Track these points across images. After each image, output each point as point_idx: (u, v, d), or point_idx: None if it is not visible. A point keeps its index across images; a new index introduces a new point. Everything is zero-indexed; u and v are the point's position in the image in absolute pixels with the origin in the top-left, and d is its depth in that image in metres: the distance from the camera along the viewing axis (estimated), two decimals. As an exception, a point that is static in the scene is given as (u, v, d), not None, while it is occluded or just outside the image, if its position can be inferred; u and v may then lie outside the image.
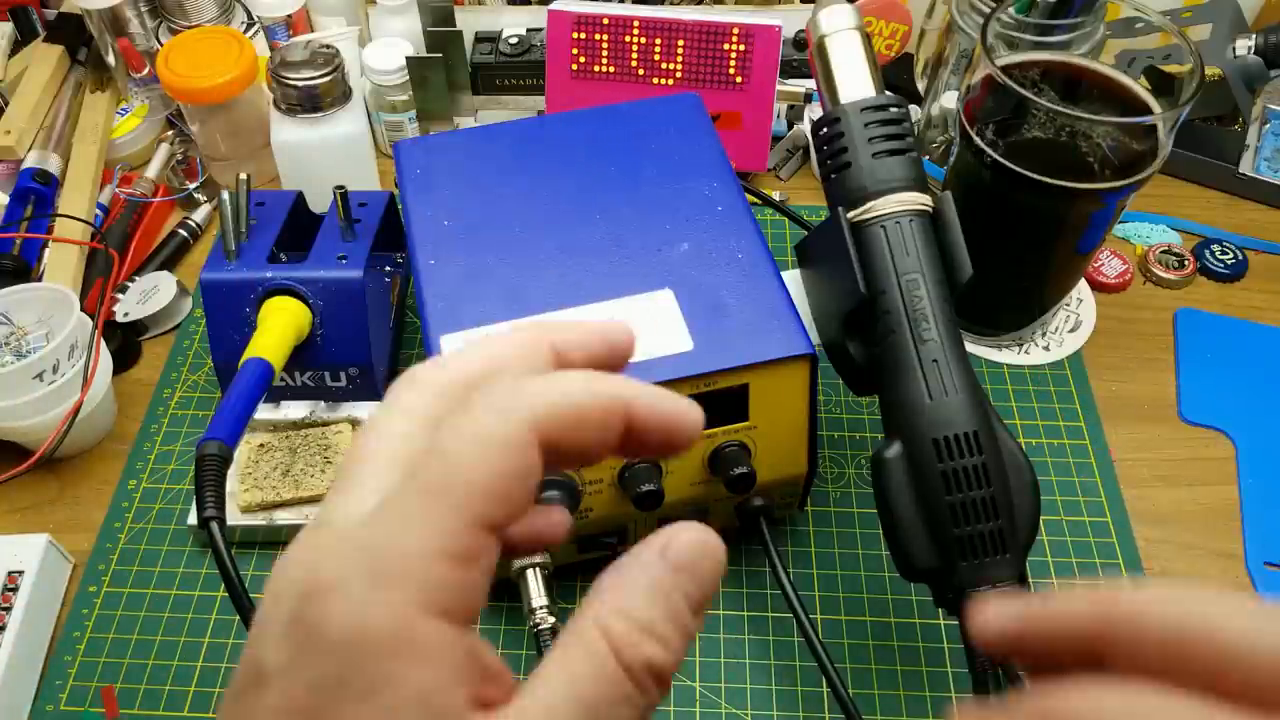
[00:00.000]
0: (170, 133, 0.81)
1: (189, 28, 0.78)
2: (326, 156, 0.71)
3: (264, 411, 0.60)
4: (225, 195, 0.58)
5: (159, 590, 0.56)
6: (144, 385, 0.66)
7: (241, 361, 0.52)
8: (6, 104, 0.77)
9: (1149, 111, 0.56)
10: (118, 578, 0.57)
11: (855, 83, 0.50)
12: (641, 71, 0.73)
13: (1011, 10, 0.62)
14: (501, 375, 0.23)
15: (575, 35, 0.72)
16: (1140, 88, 0.57)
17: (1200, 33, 0.72)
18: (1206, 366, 0.67)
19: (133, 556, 0.58)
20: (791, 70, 0.76)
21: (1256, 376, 0.66)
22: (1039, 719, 0.19)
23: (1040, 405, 0.65)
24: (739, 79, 0.72)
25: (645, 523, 0.53)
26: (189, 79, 0.70)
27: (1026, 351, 0.67)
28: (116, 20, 0.78)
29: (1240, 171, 0.77)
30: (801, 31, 0.77)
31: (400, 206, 0.58)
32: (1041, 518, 0.48)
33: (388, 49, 0.75)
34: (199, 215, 0.75)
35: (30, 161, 0.74)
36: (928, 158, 0.77)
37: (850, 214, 0.48)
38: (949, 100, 0.74)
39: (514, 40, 0.76)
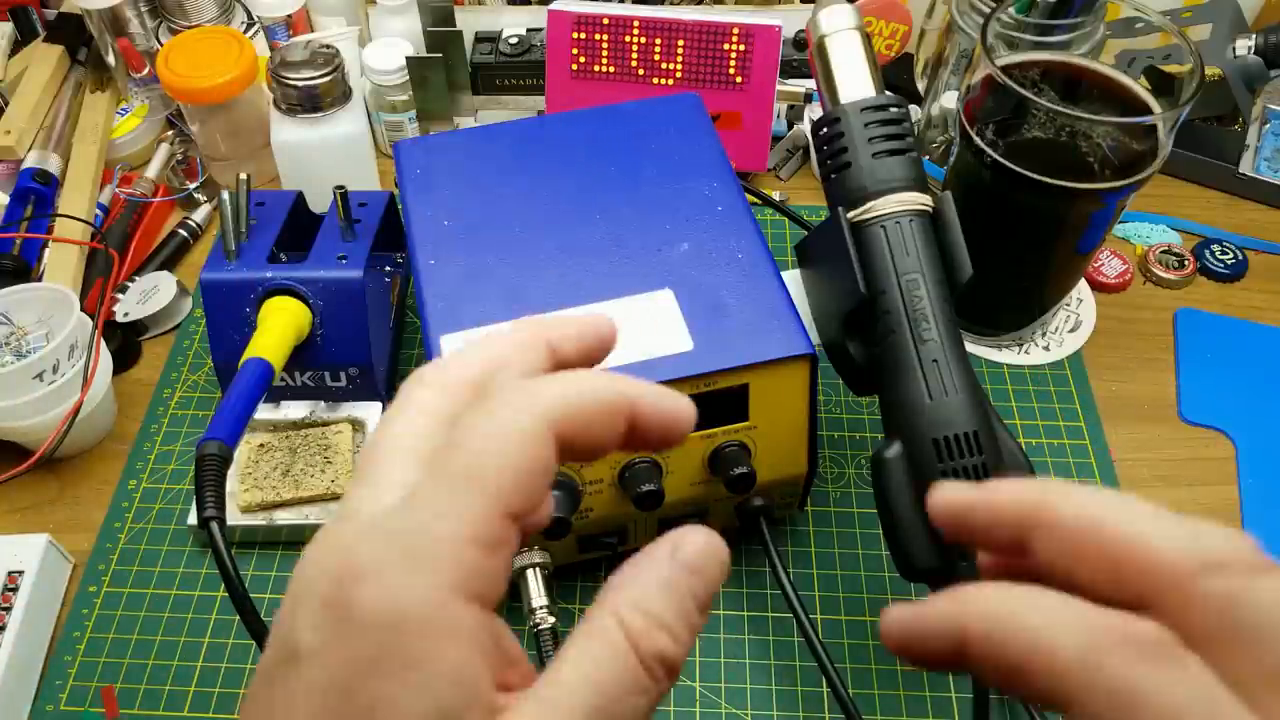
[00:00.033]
0: (170, 133, 0.82)
1: (189, 28, 0.78)
2: (326, 156, 0.71)
3: (264, 411, 0.60)
4: (225, 195, 0.58)
5: (159, 590, 0.56)
6: (144, 385, 0.66)
7: (241, 361, 0.52)
8: (6, 104, 0.77)
9: (1149, 111, 0.56)
10: (118, 578, 0.57)
11: (855, 83, 0.50)
12: (641, 71, 0.73)
13: (1011, 10, 0.62)
14: (506, 372, 0.25)
15: (575, 35, 0.72)
16: (1140, 88, 0.57)
17: (1200, 33, 0.72)
18: (1206, 366, 0.67)
19: (133, 556, 0.58)
20: (791, 70, 0.76)
21: (1256, 376, 0.66)
22: (953, 608, 0.23)
23: (1040, 405, 0.65)
24: (739, 79, 0.72)
25: (645, 523, 0.53)
26: (189, 79, 0.70)
27: (1026, 351, 0.67)
28: (116, 20, 0.78)
29: (1240, 171, 0.77)
30: (801, 31, 0.77)
31: (400, 206, 0.58)
32: (1041, 518, 0.48)
33: (388, 49, 0.75)
34: (199, 215, 0.75)
35: (30, 161, 0.74)
36: (928, 158, 0.77)
37: (850, 214, 0.48)
38: (949, 100, 0.74)
39: (514, 40, 0.76)
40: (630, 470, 0.48)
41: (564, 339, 0.26)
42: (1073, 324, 0.69)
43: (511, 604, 0.53)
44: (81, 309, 0.59)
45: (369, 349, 0.59)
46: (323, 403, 0.60)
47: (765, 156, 0.76)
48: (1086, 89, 0.58)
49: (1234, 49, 0.71)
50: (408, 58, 0.74)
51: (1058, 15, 0.62)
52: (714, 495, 0.51)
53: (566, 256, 0.51)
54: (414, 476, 0.23)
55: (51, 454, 0.58)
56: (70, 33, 0.82)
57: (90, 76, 0.82)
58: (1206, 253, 0.73)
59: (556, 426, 0.22)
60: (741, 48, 0.71)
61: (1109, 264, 0.72)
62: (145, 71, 0.81)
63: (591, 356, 0.26)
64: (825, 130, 0.50)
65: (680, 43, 0.71)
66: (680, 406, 0.25)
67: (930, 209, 0.48)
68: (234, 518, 0.56)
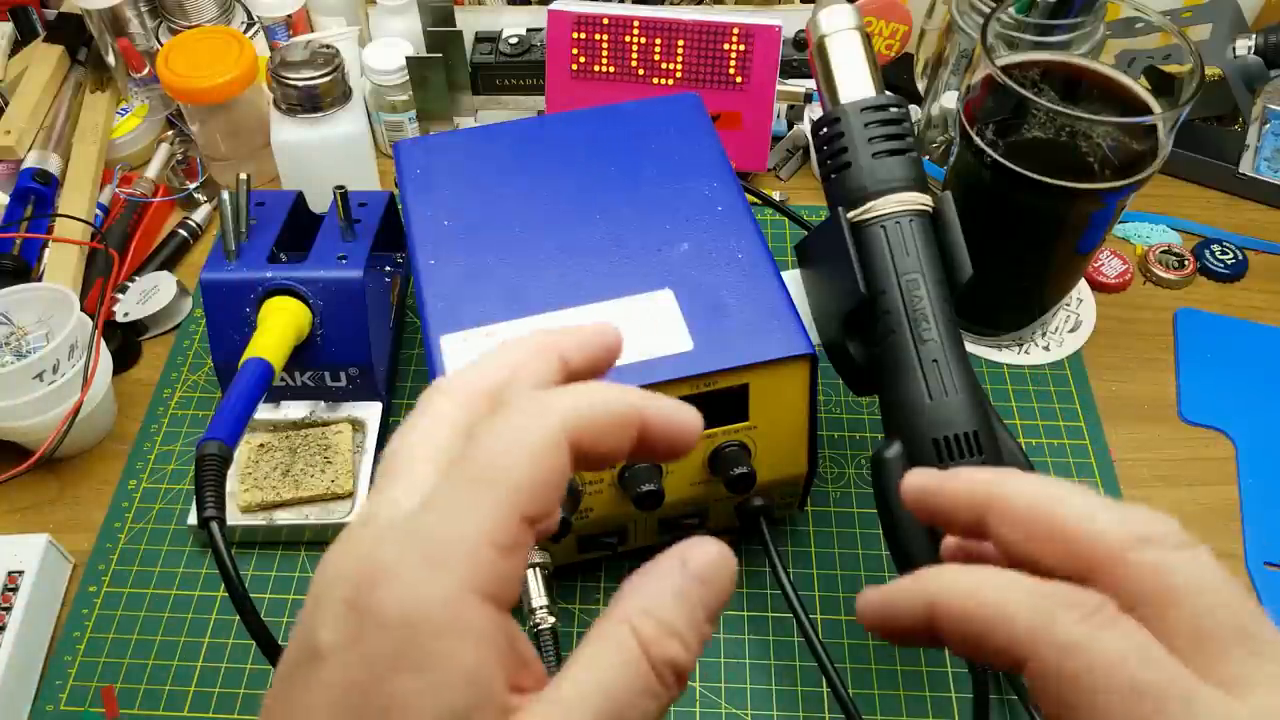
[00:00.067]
0: (170, 133, 0.82)
1: (189, 28, 0.78)
2: (326, 156, 0.71)
3: (264, 411, 0.60)
4: (225, 195, 0.58)
5: (159, 590, 0.56)
6: (144, 385, 0.66)
7: (241, 361, 0.52)
8: (6, 104, 0.77)
9: (1149, 111, 0.56)
10: (118, 578, 0.57)
11: (855, 83, 0.50)
12: (641, 71, 0.73)
13: (1011, 10, 0.62)
14: (519, 383, 0.26)
15: (575, 35, 0.72)
16: (1140, 88, 0.57)
17: (1200, 33, 0.72)
18: (1206, 366, 0.67)
19: (133, 556, 0.58)
20: (791, 70, 0.76)
21: (1256, 376, 0.66)
22: (921, 586, 0.25)
23: (1040, 405, 0.65)
24: (739, 79, 0.72)
25: (645, 523, 0.53)
26: (189, 79, 0.70)
27: (1026, 351, 0.67)
28: (116, 20, 0.78)
29: (1240, 171, 0.77)
30: (801, 31, 0.77)
31: (400, 206, 0.58)
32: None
33: (388, 49, 0.75)
34: (199, 215, 0.75)
35: (30, 161, 0.74)
36: (928, 158, 0.77)
37: (850, 214, 0.48)
38: (949, 100, 0.74)
39: (514, 40, 0.76)
40: (630, 470, 0.48)
41: (573, 348, 0.27)
42: (1073, 324, 0.69)
43: (511, 604, 0.53)
44: (81, 309, 0.59)
45: (369, 349, 0.59)
46: (323, 403, 0.60)
47: (765, 156, 0.76)
48: (1086, 89, 0.58)
49: (1234, 49, 0.71)
50: (408, 58, 0.74)
51: (1058, 15, 0.62)
52: (714, 495, 0.51)
53: (566, 256, 0.51)
54: (432, 482, 0.23)
55: (51, 454, 0.58)
56: (70, 33, 0.82)
57: (90, 76, 0.82)
58: (1206, 253, 0.73)
59: (570, 436, 0.23)
60: (741, 48, 0.71)
61: (1109, 264, 0.72)
62: (145, 71, 0.81)
63: (600, 365, 0.27)
64: (825, 130, 0.50)
65: (680, 43, 0.71)
66: (688, 418, 0.26)
67: (930, 209, 0.48)
68: (234, 518, 0.56)
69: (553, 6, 0.72)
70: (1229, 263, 0.72)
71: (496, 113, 0.78)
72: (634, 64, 0.72)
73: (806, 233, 0.53)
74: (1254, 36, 0.71)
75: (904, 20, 0.75)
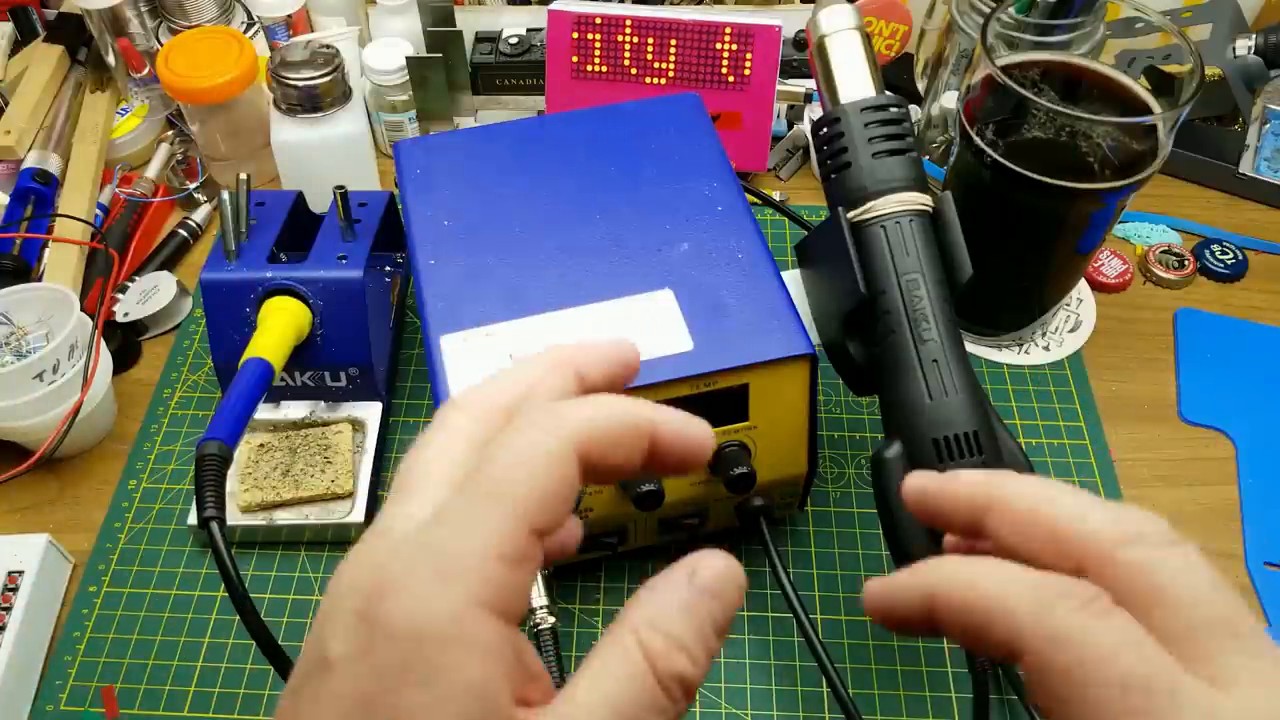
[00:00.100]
0: (170, 133, 0.82)
1: (189, 28, 0.78)
2: (326, 156, 0.71)
3: (264, 411, 0.60)
4: (225, 195, 0.58)
5: (159, 590, 0.56)
6: (144, 385, 0.66)
7: (241, 361, 0.52)
8: (6, 104, 0.77)
9: (1149, 111, 0.56)
10: (118, 578, 0.57)
11: (855, 83, 0.50)
12: (634, 71, 0.73)
13: (1011, 10, 0.62)
14: (535, 397, 0.26)
15: (575, 35, 0.72)
16: (1140, 88, 0.57)
17: (1200, 33, 0.72)
18: (1206, 366, 0.67)
19: (133, 556, 0.58)
20: (791, 70, 0.76)
21: (1256, 376, 0.66)
22: (922, 578, 0.26)
23: (1040, 405, 0.65)
24: (731, 78, 0.72)
25: (645, 523, 0.53)
26: (189, 79, 0.70)
27: (1026, 351, 0.67)
28: (116, 20, 0.78)
29: (1240, 171, 0.77)
30: (801, 31, 0.77)
31: (400, 206, 0.58)
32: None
33: (388, 49, 0.75)
34: (199, 215, 0.75)
35: (30, 161, 0.74)
36: (928, 158, 0.77)
37: (850, 214, 0.48)
38: (949, 100, 0.74)
39: (514, 40, 0.76)
40: (630, 470, 0.48)
41: (590, 364, 0.27)
42: (1073, 324, 0.69)
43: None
44: (81, 309, 0.59)
45: (369, 349, 0.59)
46: (323, 403, 0.60)
47: (765, 156, 0.76)
48: (1086, 89, 0.58)
49: (1234, 49, 0.71)
50: (408, 58, 0.74)
51: (1058, 15, 0.62)
52: (714, 495, 0.51)
53: (566, 256, 0.51)
54: (445, 495, 0.24)
55: (51, 454, 0.58)
56: (70, 33, 0.82)
57: (90, 76, 0.82)
58: (1206, 253, 0.73)
59: (581, 448, 0.23)
60: (734, 47, 0.71)
61: (1109, 264, 0.72)
62: (145, 71, 0.81)
63: (617, 381, 0.28)
64: (825, 130, 0.50)
65: (673, 42, 0.71)
66: (699, 433, 0.26)
67: (930, 209, 0.48)
68: (234, 518, 0.56)
69: (553, 6, 0.72)
70: (1229, 263, 0.72)
71: (496, 113, 0.78)
72: (627, 63, 0.72)
73: (806, 233, 0.53)
74: (1254, 36, 0.71)
75: (904, 20, 0.75)
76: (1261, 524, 0.59)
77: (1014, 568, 0.25)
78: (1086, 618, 0.23)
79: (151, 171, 0.77)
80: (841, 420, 0.64)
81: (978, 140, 0.56)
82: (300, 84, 0.68)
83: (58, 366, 0.57)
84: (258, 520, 0.56)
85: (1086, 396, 0.65)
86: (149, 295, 0.69)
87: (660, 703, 0.22)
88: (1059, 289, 0.65)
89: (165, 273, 0.71)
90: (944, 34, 0.74)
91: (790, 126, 0.80)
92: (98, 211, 0.74)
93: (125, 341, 0.67)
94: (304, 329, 0.57)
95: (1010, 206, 0.58)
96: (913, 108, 0.75)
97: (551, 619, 0.48)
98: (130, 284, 0.70)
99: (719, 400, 0.48)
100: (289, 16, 0.79)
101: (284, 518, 0.57)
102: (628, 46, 0.72)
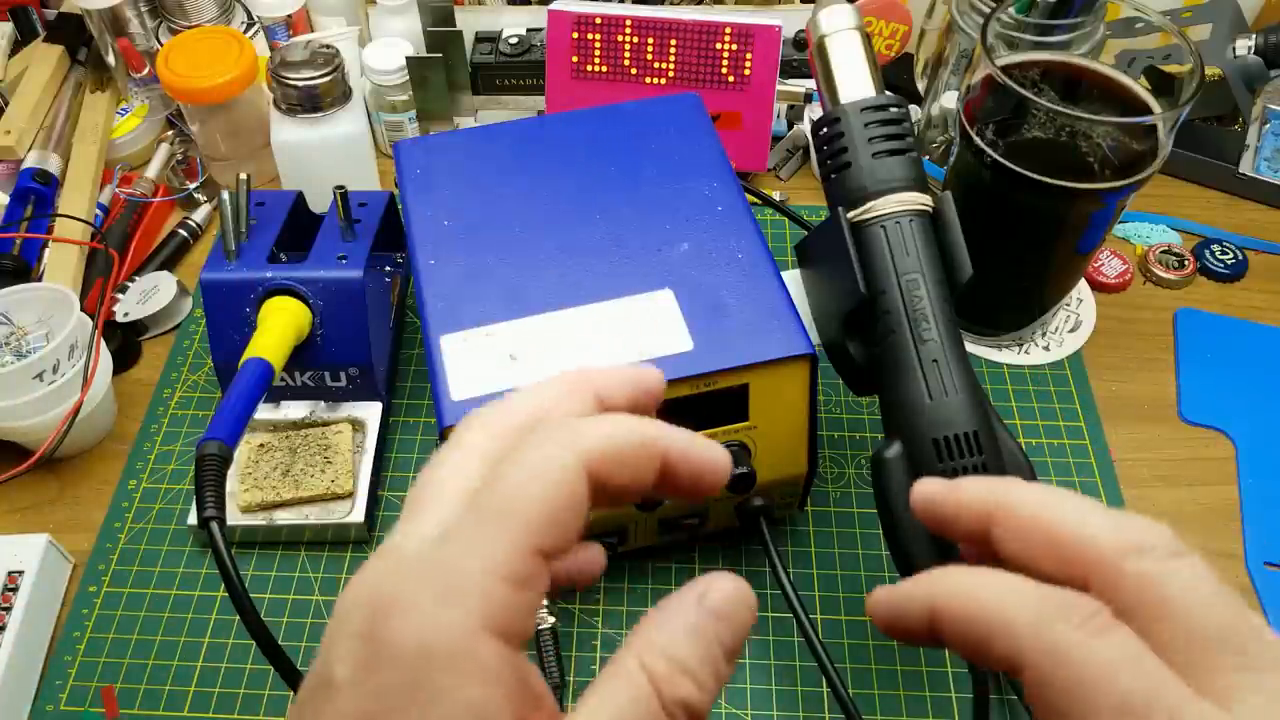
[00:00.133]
0: (170, 133, 0.82)
1: (189, 28, 0.78)
2: (326, 156, 0.71)
3: (264, 411, 0.60)
4: (225, 195, 0.58)
5: (159, 590, 0.56)
6: (144, 385, 0.66)
7: (241, 361, 0.52)
8: (6, 104, 0.77)
9: (1149, 111, 0.56)
10: (118, 578, 0.57)
11: (855, 83, 0.50)
12: (634, 71, 0.73)
13: (1011, 10, 0.62)
14: (552, 417, 0.26)
15: (575, 35, 0.72)
16: (1140, 88, 0.57)
17: (1200, 33, 0.72)
18: (1206, 366, 0.67)
19: (133, 556, 0.58)
20: (791, 70, 0.76)
21: (1256, 376, 0.66)
22: (925, 588, 0.26)
23: (1040, 405, 0.65)
24: (731, 78, 0.72)
25: (645, 523, 0.53)
26: (189, 79, 0.70)
27: (1026, 351, 0.67)
28: (116, 20, 0.78)
29: (1240, 171, 0.77)
30: (801, 31, 0.77)
31: (400, 206, 0.58)
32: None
33: (388, 49, 0.75)
34: (199, 215, 0.75)
35: (30, 161, 0.74)
36: (928, 158, 0.77)
37: (850, 214, 0.48)
38: (949, 100, 0.74)
39: (514, 40, 0.76)
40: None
41: (611, 387, 0.27)
42: (1073, 324, 0.69)
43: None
44: (81, 309, 0.59)
45: (369, 349, 0.59)
46: (323, 403, 0.60)
47: (765, 156, 0.76)
48: (1086, 89, 0.58)
49: (1234, 49, 0.71)
50: (408, 58, 0.74)
51: (1058, 15, 0.62)
52: (714, 495, 0.51)
53: (566, 256, 0.51)
54: (454, 512, 0.23)
55: (51, 454, 0.58)
56: (70, 33, 0.82)
57: (90, 76, 0.82)
58: (1206, 253, 0.73)
59: (589, 465, 0.23)
60: (734, 47, 0.71)
61: (1109, 264, 0.72)
62: (145, 71, 0.81)
63: (638, 407, 0.27)
64: (825, 130, 0.50)
65: (673, 42, 0.71)
66: (713, 456, 0.26)
67: (930, 209, 0.48)
68: (234, 518, 0.56)
69: (553, 6, 0.72)
70: (1229, 263, 0.72)
71: (496, 113, 0.78)
72: (630, 64, 0.72)
73: (806, 233, 0.53)
74: (1254, 36, 0.71)
75: (904, 20, 0.75)
76: (1261, 524, 0.59)
77: (1016, 580, 0.25)
78: (1086, 634, 0.23)
79: (151, 171, 0.77)
80: (841, 420, 0.64)
81: (978, 140, 0.56)
82: (300, 84, 0.68)
83: (58, 366, 0.57)
84: (258, 520, 0.56)
85: (1086, 396, 0.65)
86: (149, 295, 0.69)
87: None
88: (1059, 289, 0.65)
89: (165, 273, 0.71)
90: (944, 34, 0.74)
91: (790, 126, 0.80)
92: (98, 211, 0.74)
93: (125, 341, 0.67)
94: (304, 329, 0.57)
95: (1010, 206, 0.58)
96: (913, 108, 0.75)
97: (551, 619, 0.48)
98: (130, 284, 0.70)
99: (719, 400, 0.48)
100: (289, 16, 0.79)
101: (284, 518, 0.57)
102: (628, 46, 0.72)
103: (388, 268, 0.66)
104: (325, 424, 0.60)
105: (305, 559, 0.57)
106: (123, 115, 0.81)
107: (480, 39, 0.77)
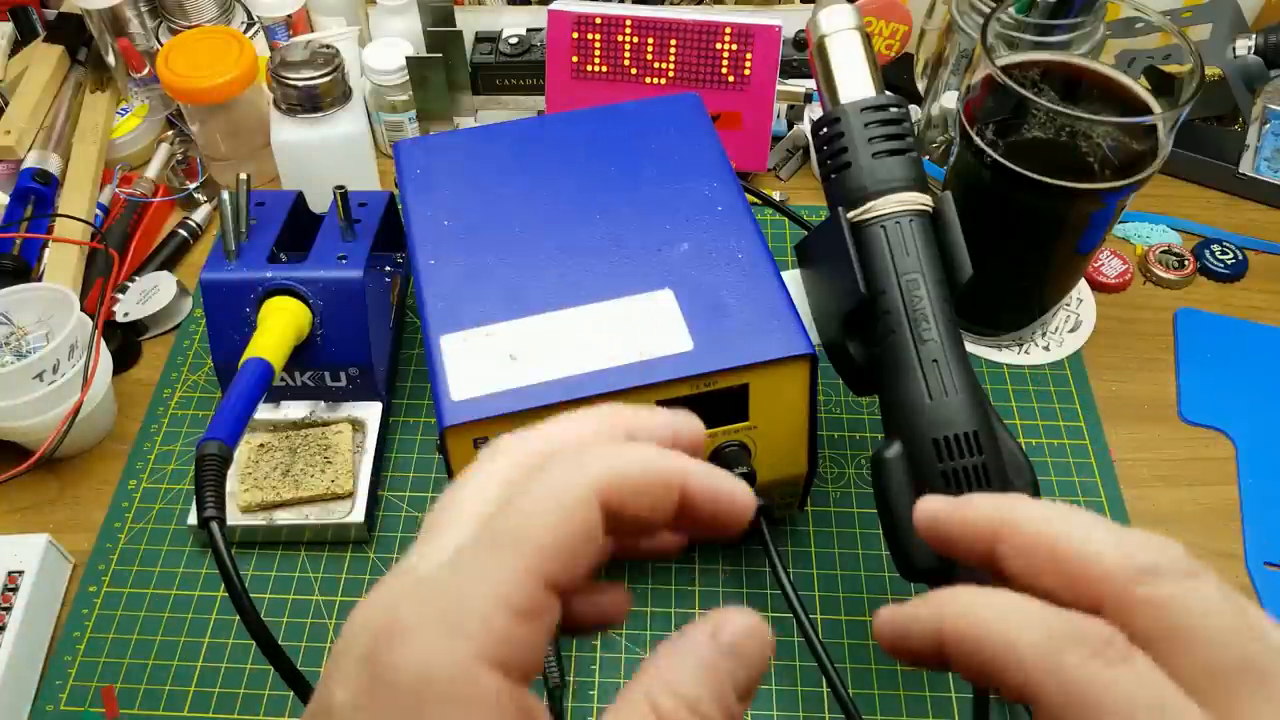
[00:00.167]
0: (170, 133, 0.82)
1: (189, 28, 0.78)
2: (326, 156, 0.71)
3: (264, 411, 0.60)
4: (225, 195, 0.58)
5: (159, 590, 0.56)
6: (144, 385, 0.66)
7: (241, 361, 0.52)
8: (6, 104, 0.77)
9: (1149, 111, 0.56)
10: (118, 578, 0.57)
11: (855, 83, 0.50)
12: (634, 71, 0.73)
13: (1011, 10, 0.62)
14: (575, 447, 0.25)
15: (575, 35, 0.72)
16: (1140, 88, 0.57)
17: (1200, 33, 0.72)
18: (1206, 366, 0.67)
19: (133, 556, 0.58)
20: (791, 70, 0.76)
21: (1256, 376, 0.66)
22: (931, 611, 0.24)
23: (1040, 405, 0.65)
24: (731, 78, 0.72)
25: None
26: (189, 79, 0.71)
27: (1026, 351, 0.67)
28: (116, 20, 0.78)
29: (1240, 171, 0.77)
30: (801, 31, 0.77)
31: (400, 206, 0.58)
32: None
33: (388, 49, 0.75)
34: (199, 215, 0.75)
35: (30, 161, 0.74)
36: (928, 158, 0.77)
37: (850, 214, 0.48)
38: (949, 100, 0.74)
39: (514, 40, 0.76)
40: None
41: (644, 429, 0.26)
42: (1073, 324, 0.69)
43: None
44: (81, 309, 0.59)
45: (369, 349, 0.59)
46: (323, 403, 0.60)
47: (765, 156, 0.76)
48: (1086, 89, 0.58)
49: (1234, 49, 0.71)
50: (408, 58, 0.74)
51: (1058, 15, 0.62)
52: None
53: (566, 256, 0.51)
54: (468, 536, 0.23)
55: (51, 454, 0.58)
56: (70, 33, 0.82)
57: (90, 76, 0.82)
58: (1206, 253, 0.73)
59: (603, 494, 0.23)
60: (734, 47, 0.71)
61: (1109, 264, 0.72)
62: (145, 71, 0.81)
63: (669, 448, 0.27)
64: (825, 130, 0.50)
65: (673, 42, 0.71)
66: (734, 490, 0.25)
67: (930, 209, 0.48)
68: (234, 518, 0.56)
69: (553, 6, 0.72)
70: (1229, 263, 0.72)
71: (496, 113, 0.78)
72: (630, 64, 0.72)
73: (806, 233, 0.53)
74: (1254, 36, 0.71)
75: (904, 20, 0.75)
76: (1261, 524, 0.59)
77: (1026, 604, 0.23)
78: (1101, 666, 0.22)
79: (151, 171, 0.77)
80: (841, 420, 0.64)
81: (978, 140, 0.56)
82: (300, 84, 0.68)
83: (58, 366, 0.57)
84: (258, 520, 0.56)
85: (1086, 396, 0.65)
86: (149, 295, 0.69)
87: None
88: (1059, 289, 0.65)
89: (165, 273, 0.71)
90: (944, 34, 0.74)
91: (790, 126, 0.80)
92: (98, 211, 0.74)
93: (125, 341, 0.67)
94: (304, 329, 0.57)
95: (1010, 206, 0.58)
96: (913, 108, 0.75)
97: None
98: (130, 284, 0.70)
99: (719, 400, 0.48)
100: (289, 16, 0.79)
101: (284, 518, 0.57)
102: (628, 46, 0.72)
103: (388, 268, 0.66)
104: (325, 424, 0.60)
105: (305, 559, 0.57)
106: (123, 115, 0.81)
107: (480, 39, 0.77)
